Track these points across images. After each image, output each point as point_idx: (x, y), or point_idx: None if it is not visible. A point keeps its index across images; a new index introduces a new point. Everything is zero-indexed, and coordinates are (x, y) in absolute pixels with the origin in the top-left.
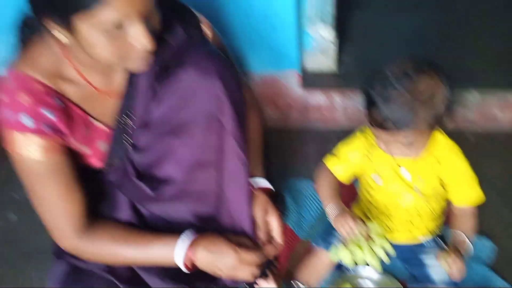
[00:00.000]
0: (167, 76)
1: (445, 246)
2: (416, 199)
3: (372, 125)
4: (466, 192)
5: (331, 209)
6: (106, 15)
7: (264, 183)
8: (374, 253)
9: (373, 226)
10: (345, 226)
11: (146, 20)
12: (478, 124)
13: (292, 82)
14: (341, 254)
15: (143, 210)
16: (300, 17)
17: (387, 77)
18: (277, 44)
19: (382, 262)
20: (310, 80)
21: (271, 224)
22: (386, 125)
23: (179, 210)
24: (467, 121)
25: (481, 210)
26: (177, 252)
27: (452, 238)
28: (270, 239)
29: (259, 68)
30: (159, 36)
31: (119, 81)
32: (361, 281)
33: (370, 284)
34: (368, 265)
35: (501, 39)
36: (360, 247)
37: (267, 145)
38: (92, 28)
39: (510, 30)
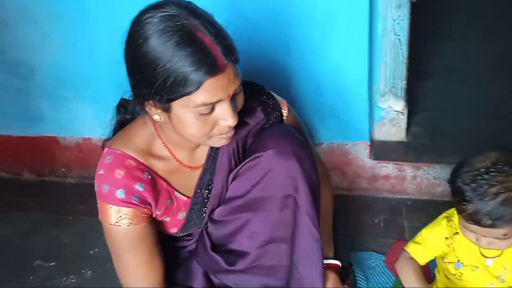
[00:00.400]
0: (247, 155)
1: None
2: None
3: (465, 219)
4: None
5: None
6: (202, 99)
7: (333, 260)
8: None
9: None
10: None
11: (233, 99)
12: None
13: (361, 152)
14: None
15: (215, 280)
16: (372, 91)
17: (478, 171)
18: (348, 117)
19: None
20: (380, 150)
21: None
22: (482, 221)
23: (249, 282)
24: None
25: None
26: None
27: None
28: None
29: (329, 139)
30: (241, 118)
31: (202, 156)
32: None
33: None
34: None
35: None
36: None
37: (334, 213)
38: (187, 110)
39: None
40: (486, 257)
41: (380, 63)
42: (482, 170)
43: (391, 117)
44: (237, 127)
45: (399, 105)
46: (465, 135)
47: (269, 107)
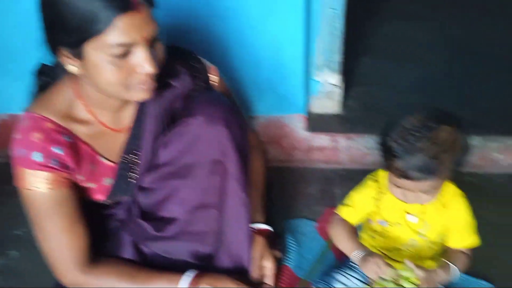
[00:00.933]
0: (175, 121)
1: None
2: (420, 243)
3: (395, 175)
4: (464, 237)
5: (357, 255)
6: (113, 38)
7: (263, 225)
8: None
9: (403, 271)
10: (376, 270)
11: (150, 46)
12: (479, 167)
13: (297, 124)
14: None
15: (145, 249)
16: (308, 65)
17: (408, 129)
18: (285, 90)
19: None
20: (315, 122)
21: (265, 268)
22: (412, 176)
23: (179, 249)
24: (469, 164)
25: (479, 252)
26: (181, 286)
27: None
28: (261, 281)
29: (266, 112)
30: (165, 80)
31: (127, 117)
32: None
33: None
34: None
35: (501, 89)
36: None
37: (270, 184)
38: (100, 53)
39: (507, 82)
40: (409, 214)
41: (316, 37)
42: (410, 127)
43: (327, 91)
44: (163, 90)
45: (335, 79)
46: (397, 109)
47: (197, 72)
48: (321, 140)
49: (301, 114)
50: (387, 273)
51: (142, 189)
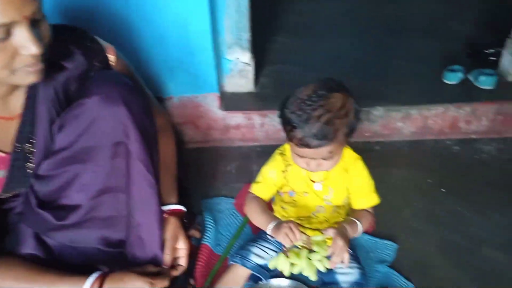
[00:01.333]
0: (70, 103)
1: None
2: (327, 209)
3: (295, 145)
4: (364, 197)
5: (271, 226)
6: None
7: (176, 206)
8: (312, 264)
9: (314, 236)
10: (289, 234)
11: (33, 26)
12: (384, 136)
13: (212, 104)
14: (280, 263)
15: (48, 240)
16: (218, 42)
17: (302, 99)
18: (196, 69)
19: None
20: (230, 101)
21: (179, 250)
22: (310, 143)
23: (86, 237)
24: (373, 133)
25: (384, 213)
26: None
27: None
28: (175, 262)
29: (179, 93)
30: (56, 61)
31: (16, 104)
32: None
33: None
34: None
35: (403, 63)
36: (299, 257)
37: (188, 165)
38: None
39: (409, 56)
40: (314, 182)
41: (224, 14)
42: (305, 97)
43: (239, 69)
44: (54, 72)
45: (246, 57)
46: None
47: (91, 51)
48: (237, 118)
49: (215, 93)
50: (300, 237)
51: (38, 177)
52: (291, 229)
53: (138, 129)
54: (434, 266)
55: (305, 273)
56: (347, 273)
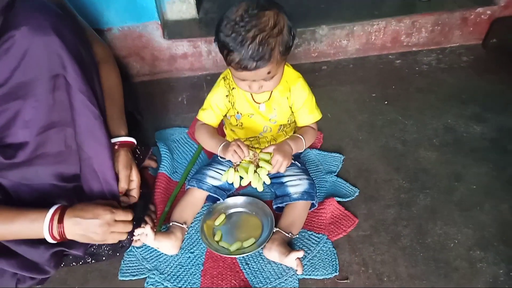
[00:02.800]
0: (1, 36)
1: (297, 163)
2: (273, 128)
3: (234, 69)
4: (307, 115)
5: (220, 148)
6: None
7: (125, 138)
8: (259, 177)
9: (260, 154)
10: (238, 151)
11: None
12: (330, 55)
13: (154, 33)
14: (230, 177)
15: (2, 180)
16: None
17: (235, 21)
18: None
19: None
20: (173, 29)
21: (131, 182)
22: (248, 66)
23: (39, 174)
24: (320, 53)
25: (332, 128)
26: (45, 227)
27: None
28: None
29: (119, 23)
30: None
31: None
32: (230, 208)
33: (240, 208)
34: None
35: None
36: (246, 171)
37: (138, 98)
38: None
39: None
40: (259, 103)
41: None
42: (237, 19)
43: None
44: None
45: None
46: None
47: None
48: (182, 47)
49: (156, 21)
50: (247, 153)
51: None
52: (238, 146)
53: (75, 60)
54: (376, 171)
55: (253, 185)
56: (296, 185)
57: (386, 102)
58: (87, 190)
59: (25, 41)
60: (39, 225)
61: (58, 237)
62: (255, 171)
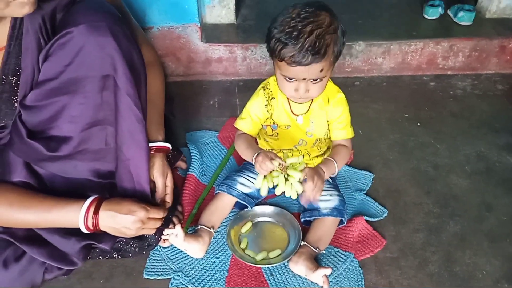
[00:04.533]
0: (57, 32)
1: (329, 179)
2: (308, 142)
3: (287, 64)
4: (341, 130)
5: (254, 158)
6: None
7: (161, 143)
8: (290, 185)
9: (292, 160)
10: (262, 166)
11: None
12: (364, 71)
13: (193, 35)
14: (258, 183)
15: (39, 170)
16: None
17: (291, 17)
18: None
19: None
20: (211, 32)
21: (166, 188)
22: (303, 59)
23: (77, 168)
24: (354, 68)
25: (362, 145)
26: (81, 217)
27: (321, 162)
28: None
29: (159, 22)
30: None
31: (2, 37)
32: (258, 216)
33: (268, 218)
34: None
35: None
36: (272, 179)
37: (171, 99)
38: None
39: None
40: (296, 115)
41: None
42: (294, 15)
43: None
44: (42, 1)
45: None
46: None
47: None
48: (218, 51)
49: (196, 24)
50: (272, 166)
51: (26, 107)
52: (263, 160)
53: (126, 63)
54: (406, 193)
55: (286, 194)
56: (327, 200)
57: (418, 124)
58: (120, 188)
59: (81, 39)
60: (75, 215)
61: (92, 228)
62: (287, 179)
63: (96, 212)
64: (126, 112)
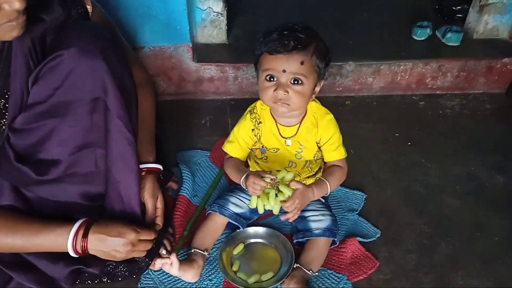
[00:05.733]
0: (47, 55)
1: (321, 198)
2: (298, 164)
3: (269, 53)
4: (332, 151)
5: (243, 180)
6: None
7: (153, 165)
8: (277, 201)
9: (282, 174)
10: (255, 186)
11: None
12: (354, 91)
13: (184, 55)
14: (253, 203)
15: (27, 193)
16: None
17: (287, 23)
18: (168, 18)
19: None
20: (203, 52)
21: (157, 209)
22: (284, 46)
23: (67, 192)
24: (344, 88)
25: (354, 165)
26: (69, 241)
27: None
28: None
29: (151, 42)
30: (33, 13)
31: None
32: (250, 238)
33: (260, 239)
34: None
35: (373, 18)
36: (267, 196)
37: (162, 119)
38: None
39: (379, 11)
40: (285, 138)
41: None
42: (290, 23)
43: (212, 19)
44: (31, 24)
45: (219, 6)
46: None
47: (69, 1)
48: (210, 70)
49: (187, 44)
50: (262, 187)
51: (15, 130)
52: (253, 182)
53: (117, 85)
54: (398, 213)
55: (268, 207)
56: (319, 220)
57: (409, 143)
58: (110, 210)
59: (72, 62)
60: (63, 239)
61: (80, 252)
62: (276, 195)
63: (85, 236)
64: (116, 135)
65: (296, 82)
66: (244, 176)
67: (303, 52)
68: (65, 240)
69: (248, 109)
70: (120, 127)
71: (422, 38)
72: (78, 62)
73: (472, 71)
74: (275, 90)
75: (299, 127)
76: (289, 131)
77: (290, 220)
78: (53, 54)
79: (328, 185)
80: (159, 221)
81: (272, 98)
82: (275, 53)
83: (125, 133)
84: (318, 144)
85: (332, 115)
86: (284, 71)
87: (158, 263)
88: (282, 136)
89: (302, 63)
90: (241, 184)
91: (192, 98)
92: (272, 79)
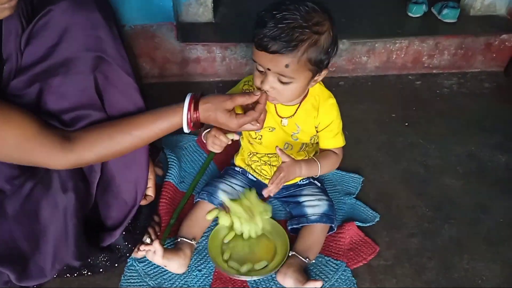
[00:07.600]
0: (36, 11)
1: (316, 182)
2: (294, 147)
3: (255, 47)
4: (331, 138)
5: (204, 133)
6: None
7: None
8: (248, 226)
9: (223, 222)
10: (211, 138)
11: None
12: (348, 71)
13: (168, 34)
14: (223, 220)
15: None
16: None
17: (285, 3)
18: None
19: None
20: (187, 31)
21: (149, 179)
22: (269, 45)
23: None
24: (338, 68)
25: (350, 147)
26: (184, 117)
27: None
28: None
29: (132, 21)
30: None
31: None
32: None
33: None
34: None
35: None
36: (239, 218)
37: (146, 101)
38: None
39: None
40: (282, 117)
41: None
42: (288, 2)
43: None
44: None
45: None
46: None
47: None
48: (196, 51)
49: (171, 22)
50: (225, 141)
51: (12, 97)
52: (215, 135)
53: (114, 39)
54: (397, 196)
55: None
56: (315, 206)
57: (406, 124)
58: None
59: (66, 16)
60: (178, 117)
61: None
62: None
63: (196, 109)
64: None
65: (282, 81)
66: (208, 130)
67: (291, 54)
68: (180, 118)
69: (243, 79)
70: (128, 80)
71: (418, 15)
72: (72, 15)
73: (470, 49)
74: (262, 82)
75: (297, 107)
76: (287, 111)
77: (272, 194)
78: (44, 10)
79: (319, 167)
80: (151, 192)
81: (258, 84)
82: (260, 48)
83: (132, 83)
84: (317, 129)
85: (334, 100)
86: (269, 69)
87: (141, 251)
88: (278, 115)
89: (287, 66)
90: (202, 138)
91: (178, 80)
92: (261, 71)
